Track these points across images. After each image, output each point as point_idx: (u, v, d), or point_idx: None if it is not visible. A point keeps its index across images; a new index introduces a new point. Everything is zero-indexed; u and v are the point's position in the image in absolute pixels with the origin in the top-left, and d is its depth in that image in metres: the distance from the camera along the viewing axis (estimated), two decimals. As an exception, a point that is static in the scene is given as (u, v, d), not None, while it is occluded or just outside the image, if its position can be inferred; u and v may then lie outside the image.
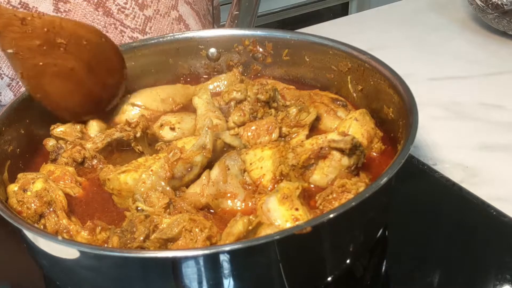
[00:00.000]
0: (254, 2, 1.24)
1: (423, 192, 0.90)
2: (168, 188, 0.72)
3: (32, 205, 0.71)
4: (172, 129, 0.87)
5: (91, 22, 1.06)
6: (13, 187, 0.74)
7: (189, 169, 0.74)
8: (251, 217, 0.65)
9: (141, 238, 0.65)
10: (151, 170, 0.73)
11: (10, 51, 0.79)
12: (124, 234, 0.67)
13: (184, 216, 0.66)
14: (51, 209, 0.72)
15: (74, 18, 1.05)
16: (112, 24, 1.08)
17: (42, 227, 0.71)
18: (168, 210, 0.70)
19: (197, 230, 0.64)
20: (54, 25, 0.80)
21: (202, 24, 1.23)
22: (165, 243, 0.65)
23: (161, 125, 0.88)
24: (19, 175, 0.77)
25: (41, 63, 0.81)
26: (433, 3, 1.57)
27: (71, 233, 0.70)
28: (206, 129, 0.76)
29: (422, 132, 1.01)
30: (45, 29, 0.79)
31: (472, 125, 1.05)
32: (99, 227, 0.70)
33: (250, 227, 0.64)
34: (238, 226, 0.64)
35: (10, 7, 1.00)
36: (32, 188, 0.73)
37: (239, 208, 0.73)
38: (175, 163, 0.74)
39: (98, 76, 0.87)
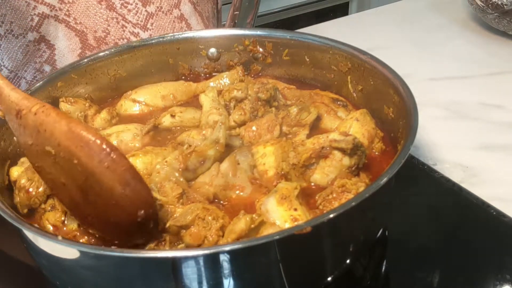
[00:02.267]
0: (254, 2, 1.24)
1: (423, 192, 0.90)
2: (181, 179, 0.73)
3: (42, 183, 0.71)
4: (173, 116, 0.88)
5: (93, 15, 1.06)
6: (18, 169, 0.75)
7: (202, 162, 0.75)
8: (254, 215, 0.65)
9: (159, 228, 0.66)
10: (166, 161, 0.74)
11: (15, 138, 0.68)
12: None
13: (197, 205, 0.67)
14: None
15: (77, 10, 1.05)
16: (114, 18, 1.08)
17: (50, 207, 0.72)
18: (181, 200, 0.71)
19: (210, 218, 0.66)
20: (45, 128, 0.62)
21: (204, 25, 1.23)
22: (178, 231, 0.66)
23: (166, 114, 0.89)
24: (22, 159, 0.78)
25: (36, 164, 0.66)
26: (433, 3, 1.57)
27: None
28: (220, 124, 0.77)
29: (422, 132, 1.01)
30: (36, 130, 0.62)
31: (472, 125, 1.05)
32: None
33: (252, 226, 0.64)
34: (240, 224, 0.64)
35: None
36: None
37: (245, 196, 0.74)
38: (188, 155, 0.74)
39: (97, 208, 0.63)
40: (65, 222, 0.72)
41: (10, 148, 0.80)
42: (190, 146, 0.76)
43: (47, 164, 0.64)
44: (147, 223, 0.63)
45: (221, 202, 0.73)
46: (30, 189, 0.72)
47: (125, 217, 0.62)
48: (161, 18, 1.12)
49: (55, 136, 0.61)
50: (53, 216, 0.72)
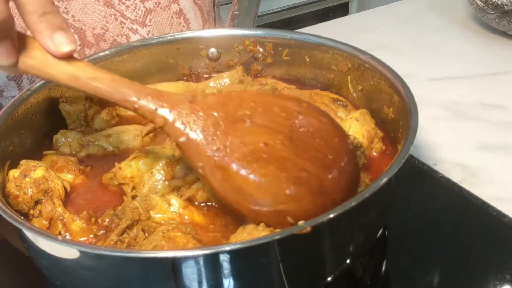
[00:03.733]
0: (254, 2, 1.24)
1: (423, 192, 0.90)
2: (167, 190, 0.73)
3: (29, 190, 0.73)
4: None
5: (91, 12, 1.06)
6: (14, 172, 0.75)
7: (191, 169, 0.74)
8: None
9: (124, 226, 0.66)
10: (151, 172, 0.74)
11: (182, 139, 0.63)
12: (112, 218, 0.69)
13: (158, 233, 0.66)
14: (48, 197, 0.73)
15: (75, 8, 1.05)
16: (112, 15, 1.08)
17: (38, 212, 0.72)
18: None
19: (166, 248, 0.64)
20: (233, 97, 0.65)
21: (203, 20, 1.22)
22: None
23: None
24: (22, 162, 0.78)
25: (220, 148, 0.62)
26: (433, 3, 1.57)
27: (65, 221, 0.71)
28: None
29: (422, 132, 1.01)
30: (222, 103, 0.64)
31: (472, 125, 1.05)
32: (93, 219, 0.71)
33: None
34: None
35: None
36: (32, 175, 0.74)
37: None
38: (175, 163, 0.74)
39: (309, 146, 0.64)
40: (48, 230, 0.72)
41: (10, 148, 0.80)
42: (175, 155, 0.74)
43: (241, 133, 0.63)
44: (355, 150, 0.71)
45: (214, 204, 0.73)
46: (17, 193, 0.73)
47: (337, 144, 0.66)
48: (159, 14, 1.12)
49: (247, 96, 0.66)
50: (37, 223, 0.72)
